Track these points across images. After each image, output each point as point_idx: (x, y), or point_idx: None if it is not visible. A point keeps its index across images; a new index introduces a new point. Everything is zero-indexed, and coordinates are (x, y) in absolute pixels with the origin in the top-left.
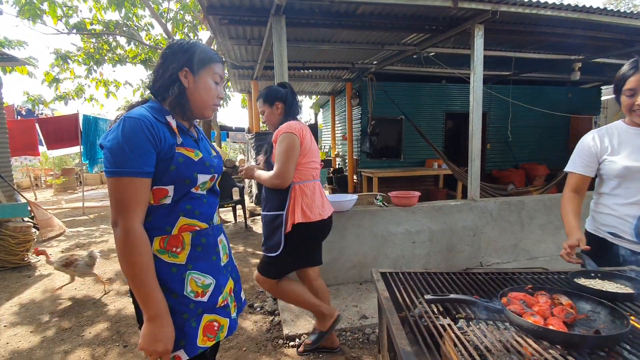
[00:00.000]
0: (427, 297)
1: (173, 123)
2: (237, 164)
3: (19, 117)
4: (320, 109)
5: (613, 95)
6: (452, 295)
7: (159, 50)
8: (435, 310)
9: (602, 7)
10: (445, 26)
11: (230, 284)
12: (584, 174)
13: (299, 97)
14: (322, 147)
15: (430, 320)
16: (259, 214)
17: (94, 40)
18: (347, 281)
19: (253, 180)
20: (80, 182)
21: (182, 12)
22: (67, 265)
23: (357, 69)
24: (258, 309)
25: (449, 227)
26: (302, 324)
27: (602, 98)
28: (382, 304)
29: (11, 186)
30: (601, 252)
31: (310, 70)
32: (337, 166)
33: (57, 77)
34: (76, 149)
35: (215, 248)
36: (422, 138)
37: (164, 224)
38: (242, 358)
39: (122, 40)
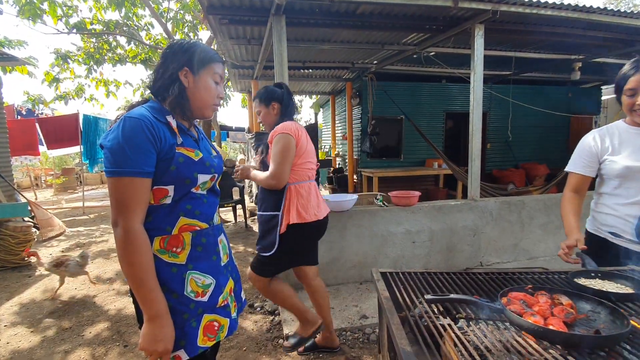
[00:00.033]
0: (427, 297)
1: (173, 123)
2: (237, 163)
3: (19, 117)
4: (321, 109)
5: (613, 95)
6: (452, 295)
7: (159, 50)
8: (435, 310)
9: (602, 7)
10: (446, 26)
11: (230, 283)
12: (584, 174)
13: (300, 97)
14: (322, 147)
15: (431, 320)
16: None
17: (94, 40)
18: (347, 281)
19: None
20: (81, 182)
21: (182, 11)
22: (58, 265)
23: (357, 68)
24: (258, 308)
25: (449, 227)
26: None
27: (603, 98)
28: (382, 303)
29: (11, 186)
30: (601, 252)
31: (310, 70)
32: (337, 166)
33: (57, 76)
34: (76, 149)
35: (216, 248)
36: (422, 138)
37: (164, 224)
38: (243, 358)
39: (122, 40)
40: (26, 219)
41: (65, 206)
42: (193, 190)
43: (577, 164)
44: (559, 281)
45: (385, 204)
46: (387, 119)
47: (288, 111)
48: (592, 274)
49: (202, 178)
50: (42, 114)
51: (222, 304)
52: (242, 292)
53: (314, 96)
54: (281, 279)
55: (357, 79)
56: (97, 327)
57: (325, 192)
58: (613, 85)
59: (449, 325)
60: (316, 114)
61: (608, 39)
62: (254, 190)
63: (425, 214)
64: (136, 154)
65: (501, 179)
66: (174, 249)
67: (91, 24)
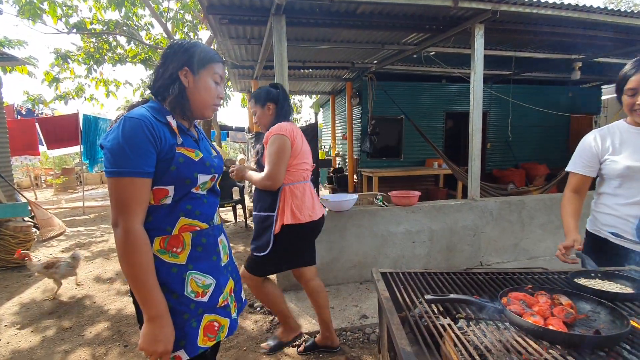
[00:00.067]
0: (427, 297)
1: (173, 123)
2: (237, 163)
3: (19, 117)
4: (321, 109)
5: (613, 95)
6: (452, 295)
7: (159, 50)
8: (435, 310)
9: (602, 6)
10: (446, 26)
11: (230, 284)
12: (584, 174)
13: (300, 97)
14: (322, 147)
15: (431, 320)
16: None
17: (94, 39)
18: (347, 281)
19: None
20: (81, 182)
21: (182, 11)
22: (49, 267)
23: (357, 68)
24: (258, 308)
25: (449, 227)
26: (302, 324)
27: (603, 97)
28: (382, 303)
29: (11, 186)
30: (602, 252)
31: (310, 70)
32: (337, 166)
33: (57, 76)
34: (76, 149)
35: (216, 248)
36: (422, 137)
37: (165, 224)
38: (243, 358)
39: (122, 39)
40: (26, 218)
41: (65, 206)
42: (193, 190)
43: (577, 164)
44: (559, 281)
45: (385, 203)
46: (387, 118)
47: (283, 112)
48: (592, 274)
49: (202, 178)
50: (42, 113)
51: (223, 304)
52: (242, 292)
53: (314, 96)
54: (274, 281)
55: (357, 79)
56: (97, 327)
57: (325, 192)
58: (613, 85)
59: (449, 325)
60: (316, 114)
61: (608, 38)
62: (254, 190)
63: (425, 214)
64: (136, 154)
65: (501, 178)
66: (174, 249)
67: (91, 23)
